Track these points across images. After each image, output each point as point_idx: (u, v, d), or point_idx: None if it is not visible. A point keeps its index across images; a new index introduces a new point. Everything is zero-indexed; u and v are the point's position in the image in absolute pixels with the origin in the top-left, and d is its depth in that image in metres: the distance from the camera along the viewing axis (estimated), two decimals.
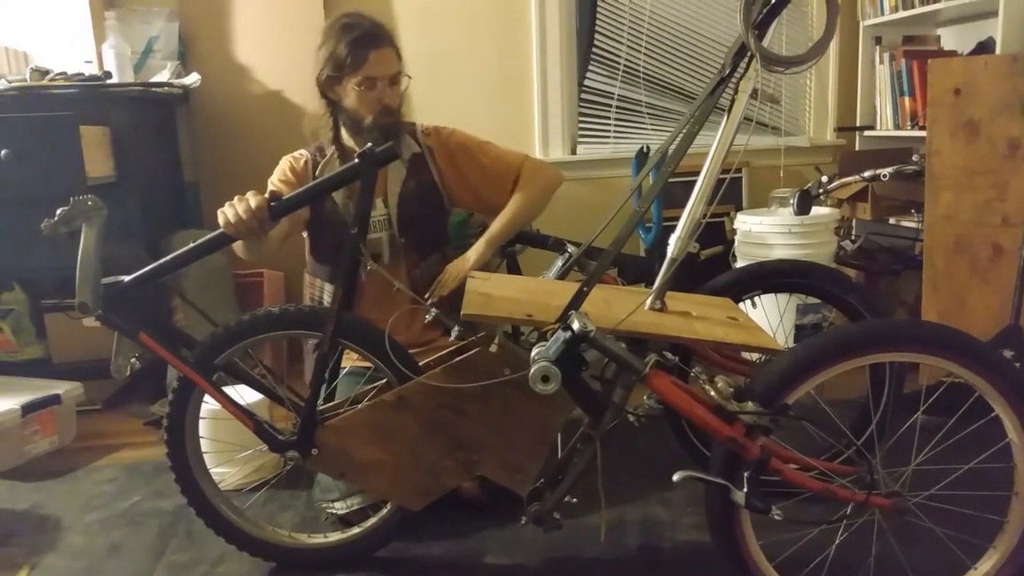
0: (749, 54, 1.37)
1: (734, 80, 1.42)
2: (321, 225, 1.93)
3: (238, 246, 1.73)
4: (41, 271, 2.49)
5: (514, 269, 2.54)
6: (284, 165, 1.95)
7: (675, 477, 1.26)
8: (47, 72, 2.51)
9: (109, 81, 2.56)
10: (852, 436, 1.51)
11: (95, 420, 2.52)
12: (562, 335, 1.28)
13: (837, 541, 1.38)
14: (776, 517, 1.24)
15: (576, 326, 1.27)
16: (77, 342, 2.61)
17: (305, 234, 1.99)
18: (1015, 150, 2.22)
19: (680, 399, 1.28)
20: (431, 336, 1.96)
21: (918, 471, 1.37)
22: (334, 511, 1.73)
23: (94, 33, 2.75)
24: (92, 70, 2.64)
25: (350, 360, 1.83)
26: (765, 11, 1.35)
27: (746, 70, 1.39)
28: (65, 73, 2.52)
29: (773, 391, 1.27)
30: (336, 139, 1.94)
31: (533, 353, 1.30)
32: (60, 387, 2.33)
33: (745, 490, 1.24)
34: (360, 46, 1.81)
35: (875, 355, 1.28)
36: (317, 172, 1.91)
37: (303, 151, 1.97)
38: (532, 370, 1.26)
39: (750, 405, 1.26)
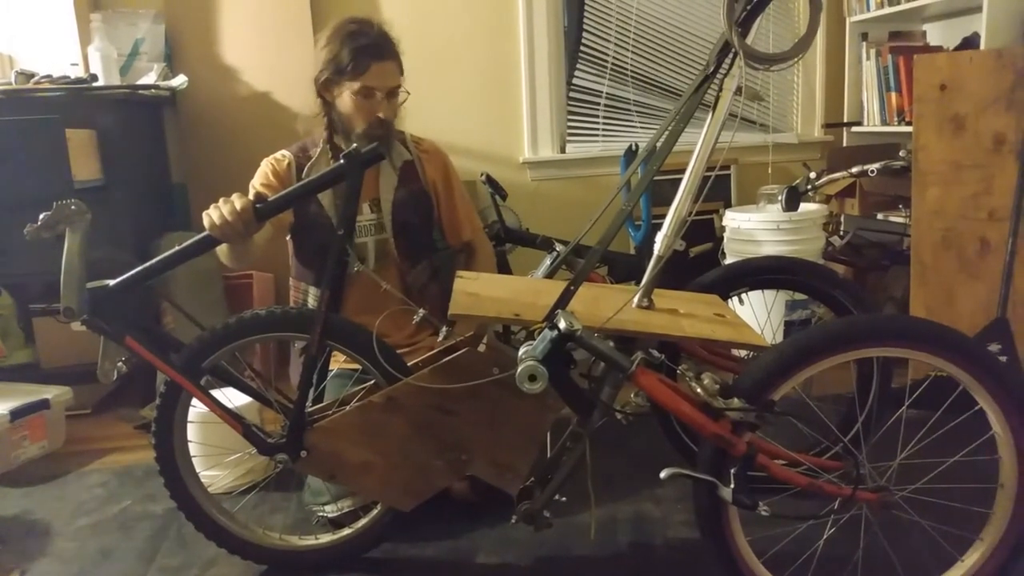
0: (733, 52, 1.37)
1: (718, 78, 1.43)
2: (305, 228, 1.92)
3: (221, 252, 1.72)
4: (29, 275, 2.48)
5: (503, 268, 2.54)
6: (266, 168, 1.93)
7: (663, 474, 1.27)
8: (32, 75, 2.50)
9: (95, 84, 2.55)
10: (838, 431, 1.52)
11: (84, 424, 2.51)
12: (549, 334, 1.28)
13: (825, 536, 1.38)
14: (763, 513, 1.24)
15: (563, 325, 1.27)
16: (66, 346, 2.59)
17: (288, 238, 1.98)
18: (1000, 144, 2.23)
19: (667, 396, 1.29)
20: (419, 338, 1.95)
21: (906, 465, 1.37)
22: (325, 515, 1.73)
23: (79, 36, 2.74)
24: (78, 73, 2.63)
25: (337, 363, 1.83)
26: (748, 9, 1.35)
27: (730, 68, 1.40)
28: (51, 76, 2.51)
29: (759, 387, 1.27)
30: (330, 138, 1.93)
31: (520, 352, 1.30)
32: (49, 392, 2.31)
33: (732, 486, 1.25)
34: (363, 55, 1.81)
35: (859, 350, 1.28)
36: (304, 173, 1.90)
37: (285, 152, 1.95)
38: (519, 369, 1.26)
39: (736, 401, 1.26)
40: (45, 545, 1.80)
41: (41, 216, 1.41)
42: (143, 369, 2.09)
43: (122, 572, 1.67)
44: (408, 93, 1.91)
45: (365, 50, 1.81)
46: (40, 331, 2.65)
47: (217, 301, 2.70)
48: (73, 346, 2.56)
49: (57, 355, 2.65)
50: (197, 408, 1.58)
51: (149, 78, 2.75)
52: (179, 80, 2.75)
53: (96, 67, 2.61)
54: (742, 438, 1.26)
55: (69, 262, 1.41)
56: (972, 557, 1.36)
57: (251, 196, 1.50)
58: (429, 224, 2.02)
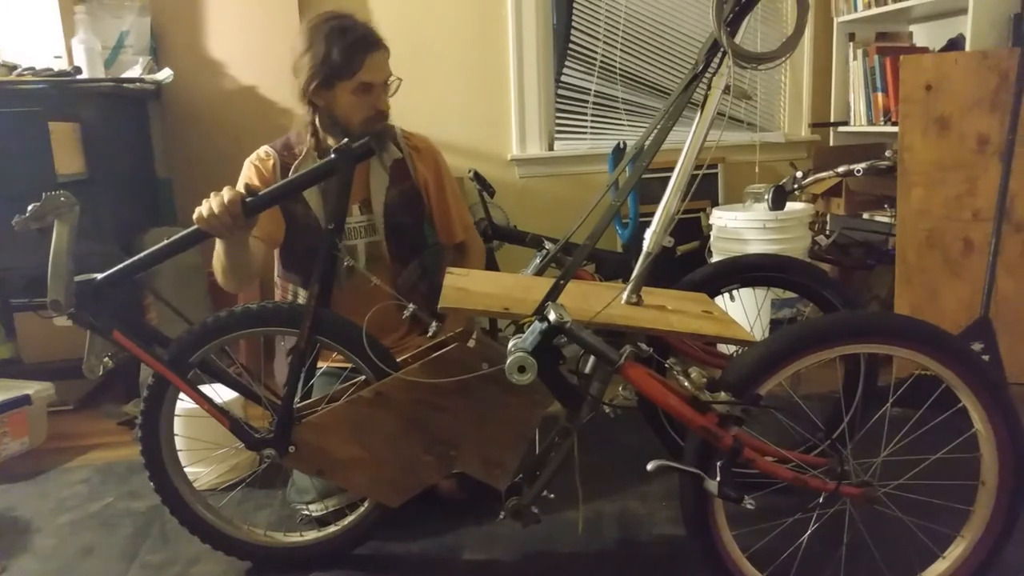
0: (721, 51, 1.38)
1: (707, 77, 1.43)
2: (293, 230, 1.86)
3: (219, 269, 1.68)
4: (10, 270, 2.45)
5: (491, 265, 2.54)
6: (250, 171, 1.86)
7: (649, 466, 1.27)
8: (15, 67, 2.47)
9: (79, 76, 2.52)
10: (823, 427, 1.53)
11: (67, 420, 2.49)
12: (538, 326, 1.29)
13: (809, 531, 1.39)
14: (748, 506, 1.25)
15: (552, 317, 1.27)
16: (48, 342, 2.57)
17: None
18: (984, 145, 2.26)
19: (654, 389, 1.29)
20: (407, 340, 1.94)
21: (890, 462, 1.39)
22: (309, 513, 1.72)
23: (63, 27, 2.70)
24: (62, 65, 2.60)
25: (325, 361, 1.82)
26: (737, 8, 1.36)
27: (718, 67, 1.41)
28: (34, 68, 2.48)
29: (745, 382, 1.28)
30: (317, 146, 1.87)
31: (509, 345, 1.30)
32: (30, 387, 2.29)
33: (718, 479, 1.25)
34: (356, 51, 1.74)
35: (844, 347, 1.29)
36: (291, 173, 1.86)
37: (268, 150, 1.88)
38: (508, 361, 1.26)
39: (723, 395, 1.27)
40: (26, 542, 1.78)
41: (30, 207, 1.39)
42: (127, 365, 2.08)
43: (104, 569, 1.66)
44: (400, 80, 1.86)
45: (356, 45, 1.75)
46: (22, 326, 2.63)
47: (201, 297, 2.67)
48: (55, 341, 2.53)
49: (39, 350, 2.62)
50: (183, 403, 1.57)
51: (134, 71, 2.73)
52: (164, 74, 2.73)
53: (80, 60, 2.58)
54: (728, 431, 1.26)
55: (57, 255, 1.39)
56: (953, 553, 1.38)
57: (243, 187, 1.48)
58: (421, 223, 1.99)
